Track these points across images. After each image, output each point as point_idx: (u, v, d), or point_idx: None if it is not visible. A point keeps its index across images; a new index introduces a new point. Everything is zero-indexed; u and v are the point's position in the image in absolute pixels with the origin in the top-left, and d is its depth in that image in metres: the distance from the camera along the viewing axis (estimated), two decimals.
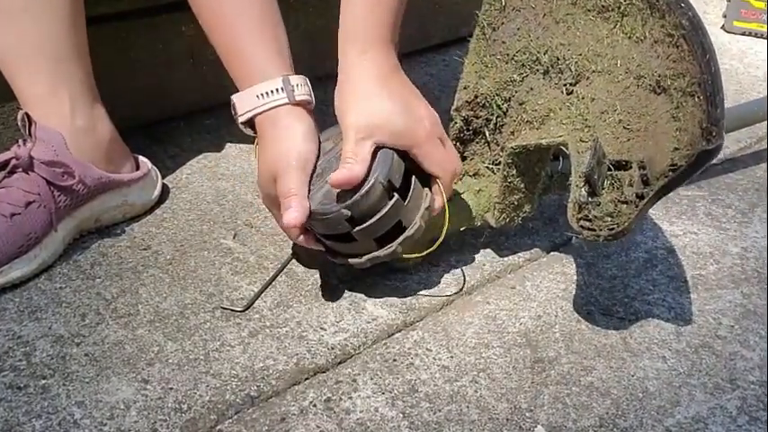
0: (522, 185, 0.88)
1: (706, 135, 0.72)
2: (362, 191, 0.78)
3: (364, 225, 0.79)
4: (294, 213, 0.79)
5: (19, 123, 0.88)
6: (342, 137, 0.81)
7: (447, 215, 0.84)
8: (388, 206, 0.79)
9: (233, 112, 0.84)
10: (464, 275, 0.93)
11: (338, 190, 0.80)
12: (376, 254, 0.82)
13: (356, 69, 0.80)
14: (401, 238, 0.81)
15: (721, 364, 0.81)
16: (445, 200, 0.84)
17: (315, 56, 1.08)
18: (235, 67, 0.84)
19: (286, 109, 0.82)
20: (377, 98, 0.80)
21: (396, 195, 0.79)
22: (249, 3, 0.84)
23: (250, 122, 0.84)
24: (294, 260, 0.92)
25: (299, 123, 0.82)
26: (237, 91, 0.84)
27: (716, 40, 1.66)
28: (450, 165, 0.84)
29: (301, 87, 0.83)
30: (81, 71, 0.92)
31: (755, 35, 1.72)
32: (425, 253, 0.86)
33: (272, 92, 0.81)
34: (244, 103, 0.83)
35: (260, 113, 0.82)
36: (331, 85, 0.83)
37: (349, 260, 0.83)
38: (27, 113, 0.88)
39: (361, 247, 0.82)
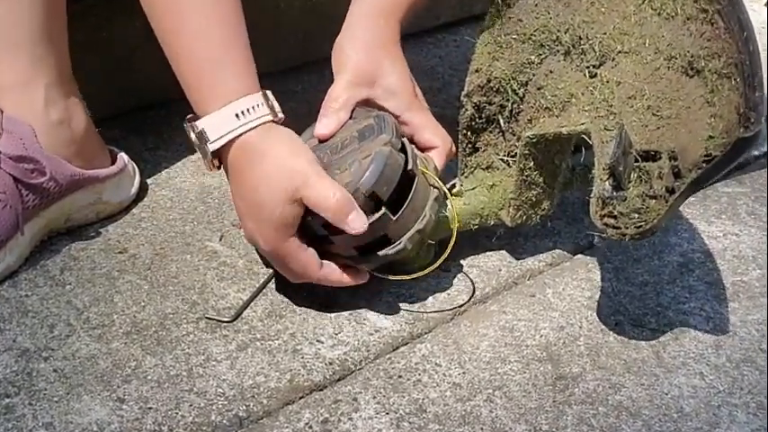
0: (541, 179, 0.88)
1: (743, 121, 0.73)
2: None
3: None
4: (359, 221, 0.78)
5: None
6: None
7: (456, 219, 0.85)
8: (372, 219, 0.79)
9: (196, 142, 0.80)
10: (477, 282, 0.92)
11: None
12: (385, 251, 0.81)
13: (362, 24, 0.87)
14: (410, 233, 0.81)
15: (765, 380, 0.81)
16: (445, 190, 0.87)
17: (309, 38, 1.08)
18: (202, 86, 0.80)
19: (268, 127, 0.79)
20: (380, 51, 0.86)
21: (383, 209, 0.79)
22: (214, 16, 0.81)
23: (218, 152, 0.80)
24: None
25: (289, 137, 0.80)
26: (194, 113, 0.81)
27: (759, 18, 1.65)
28: (447, 135, 0.89)
29: (275, 102, 0.81)
30: (58, 58, 0.92)
31: None
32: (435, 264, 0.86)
33: (253, 108, 0.78)
34: (218, 126, 0.78)
35: (241, 135, 0.78)
36: (327, 69, 0.84)
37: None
38: None
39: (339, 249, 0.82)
